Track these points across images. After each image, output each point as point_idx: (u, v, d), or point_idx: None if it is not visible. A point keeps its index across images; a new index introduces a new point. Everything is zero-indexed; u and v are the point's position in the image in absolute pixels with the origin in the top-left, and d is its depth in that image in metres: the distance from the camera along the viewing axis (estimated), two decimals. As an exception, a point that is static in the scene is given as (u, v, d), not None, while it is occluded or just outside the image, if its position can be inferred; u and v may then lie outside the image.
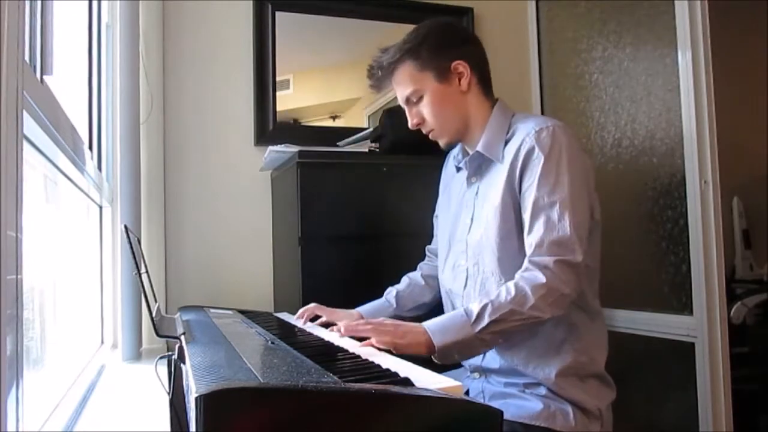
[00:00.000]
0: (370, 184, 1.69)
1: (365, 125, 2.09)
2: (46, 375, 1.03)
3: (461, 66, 1.24)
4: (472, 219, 1.27)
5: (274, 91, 2.02)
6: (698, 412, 1.60)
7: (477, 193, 1.27)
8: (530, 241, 1.11)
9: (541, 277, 1.06)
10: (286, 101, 2.06)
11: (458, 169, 1.36)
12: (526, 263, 1.11)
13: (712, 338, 1.57)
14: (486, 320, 1.05)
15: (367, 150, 1.75)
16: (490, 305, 1.06)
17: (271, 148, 1.70)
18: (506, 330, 1.06)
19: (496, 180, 1.21)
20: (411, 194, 1.60)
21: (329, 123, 2.12)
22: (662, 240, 1.74)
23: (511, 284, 1.08)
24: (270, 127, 2.01)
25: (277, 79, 2.02)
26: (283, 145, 1.69)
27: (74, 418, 1.06)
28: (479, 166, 1.27)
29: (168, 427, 1.08)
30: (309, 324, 1.32)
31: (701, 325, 1.58)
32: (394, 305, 1.43)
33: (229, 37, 2.01)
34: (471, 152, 1.27)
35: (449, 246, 1.34)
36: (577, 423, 1.11)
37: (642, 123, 1.83)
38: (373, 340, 1.02)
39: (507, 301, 1.06)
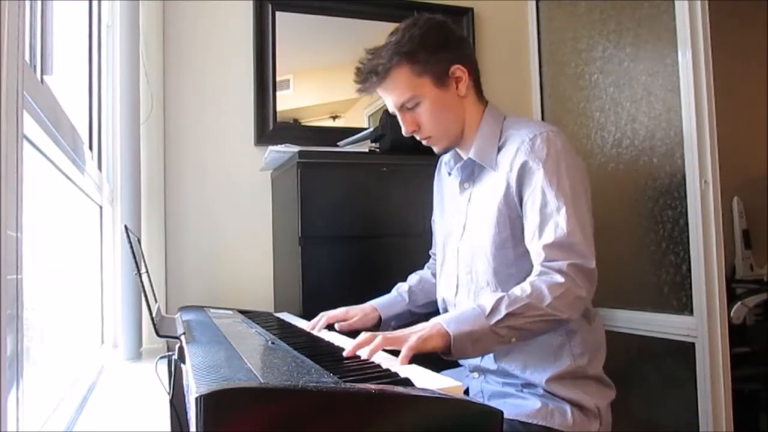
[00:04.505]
0: (370, 184, 1.69)
1: (365, 125, 2.09)
2: (45, 375, 1.03)
3: (459, 70, 1.19)
4: (464, 226, 1.25)
5: (274, 91, 2.02)
6: (698, 412, 1.60)
7: (470, 199, 1.25)
8: (540, 246, 1.07)
9: (559, 278, 1.03)
10: (286, 101, 2.06)
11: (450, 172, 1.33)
12: (539, 268, 1.07)
13: (712, 338, 1.57)
14: (503, 312, 1.00)
15: (367, 150, 1.75)
16: (506, 298, 1.02)
17: (271, 148, 1.70)
18: (522, 326, 1.01)
19: (491, 189, 1.18)
20: (411, 194, 1.60)
21: (329, 123, 2.12)
22: (662, 240, 1.74)
23: (526, 284, 1.05)
24: (270, 127, 2.01)
25: (277, 79, 2.02)
26: (283, 145, 1.69)
27: (74, 418, 1.06)
28: (472, 172, 1.24)
29: (168, 427, 1.08)
30: (323, 331, 1.30)
31: (701, 325, 1.58)
32: (407, 300, 1.41)
33: (229, 38, 2.01)
34: (463, 156, 1.25)
35: (444, 252, 1.32)
36: (575, 421, 1.11)
37: (642, 123, 1.83)
38: (403, 353, 0.93)
39: (523, 296, 1.02)
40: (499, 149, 1.19)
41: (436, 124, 1.20)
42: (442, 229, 1.36)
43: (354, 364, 0.86)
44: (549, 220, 1.08)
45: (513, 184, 1.13)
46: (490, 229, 1.16)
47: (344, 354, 0.92)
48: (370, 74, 1.18)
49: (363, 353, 0.92)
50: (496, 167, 1.18)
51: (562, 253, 1.06)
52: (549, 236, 1.07)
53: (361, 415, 0.58)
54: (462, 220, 1.26)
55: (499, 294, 1.04)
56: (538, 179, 1.10)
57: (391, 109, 1.23)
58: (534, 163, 1.11)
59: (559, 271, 1.04)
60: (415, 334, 0.97)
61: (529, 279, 1.07)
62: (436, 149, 1.27)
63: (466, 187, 1.26)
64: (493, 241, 1.16)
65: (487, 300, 1.03)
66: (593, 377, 1.17)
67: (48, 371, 1.02)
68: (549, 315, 1.02)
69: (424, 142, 1.25)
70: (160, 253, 1.84)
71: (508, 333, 1.02)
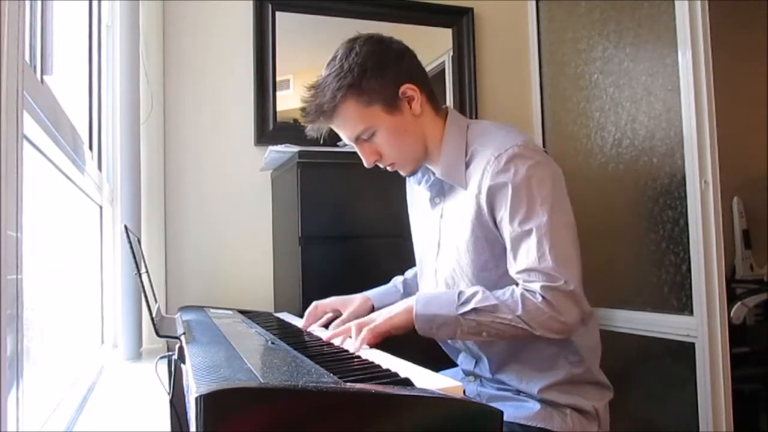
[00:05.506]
0: (370, 184, 1.69)
1: (365, 125, 2.09)
2: (45, 375, 1.03)
3: (410, 89, 1.12)
4: (438, 245, 1.22)
5: (274, 91, 2.02)
6: (698, 412, 1.60)
7: (442, 215, 1.21)
8: (514, 272, 1.06)
9: (536, 298, 1.01)
10: (286, 101, 2.06)
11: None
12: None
13: (712, 338, 1.57)
14: (471, 305, 1.01)
15: (367, 150, 1.75)
16: (480, 293, 1.02)
17: (271, 148, 1.70)
18: (489, 324, 1.01)
19: (463, 207, 1.14)
20: (411, 194, 1.59)
21: (329, 123, 2.12)
22: (662, 240, 1.74)
23: (511, 289, 1.04)
24: (270, 127, 2.01)
25: (277, 79, 2.02)
26: (283, 145, 1.69)
27: (74, 418, 1.06)
28: (441, 188, 1.20)
29: (168, 427, 1.08)
30: (314, 327, 1.30)
31: (701, 325, 1.58)
32: (401, 290, 1.40)
33: (229, 37, 2.01)
34: (432, 169, 1.21)
35: (421, 267, 1.30)
36: (574, 423, 1.11)
37: (642, 123, 1.83)
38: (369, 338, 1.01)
39: (499, 299, 1.02)
40: (467, 165, 1.14)
41: (396, 150, 1.16)
42: (417, 241, 1.34)
43: (354, 363, 0.86)
44: (520, 246, 1.05)
45: (484, 206, 1.09)
46: (467, 254, 1.13)
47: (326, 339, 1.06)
48: (317, 114, 1.13)
49: (350, 347, 1.00)
50: (465, 185, 1.14)
51: (537, 276, 1.03)
52: (521, 263, 1.04)
53: (361, 415, 0.58)
54: (436, 237, 1.23)
55: (478, 288, 1.04)
56: (506, 202, 1.06)
57: (347, 142, 1.18)
58: (501, 185, 1.07)
59: (535, 293, 1.02)
60: (385, 313, 1.05)
61: (519, 288, 1.04)
62: (402, 173, 1.23)
63: (437, 202, 1.23)
64: (474, 265, 1.13)
65: (469, 290, 1.05)
66: (590, 381, 1.17)
67: (48, 371, 1.02)
68: (518, 324, 1.00)
69: (388, 169, 1.20)
70: (160, 253, 1.84)
71: (477, 327, 1.01)
